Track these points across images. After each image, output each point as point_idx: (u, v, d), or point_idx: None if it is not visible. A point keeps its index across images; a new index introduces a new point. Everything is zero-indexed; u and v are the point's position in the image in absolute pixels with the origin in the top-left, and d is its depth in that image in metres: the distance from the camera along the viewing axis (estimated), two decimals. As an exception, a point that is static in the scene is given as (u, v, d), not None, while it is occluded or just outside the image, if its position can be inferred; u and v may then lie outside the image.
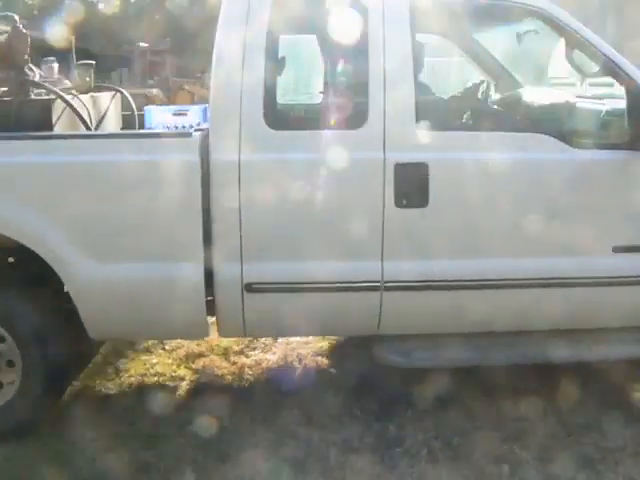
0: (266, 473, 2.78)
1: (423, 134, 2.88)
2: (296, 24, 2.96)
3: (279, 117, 2.90)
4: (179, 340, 3.90)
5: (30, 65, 3.20)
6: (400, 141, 2.88)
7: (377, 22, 2.89)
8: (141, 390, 3.51)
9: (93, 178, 2.82)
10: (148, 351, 3.95)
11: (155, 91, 11.16)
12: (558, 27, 3.04)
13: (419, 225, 2.93)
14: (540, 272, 3.01)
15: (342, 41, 2.91)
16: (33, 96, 3.16)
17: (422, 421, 3.14)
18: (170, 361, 3.83)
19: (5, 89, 3.07)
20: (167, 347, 3.98)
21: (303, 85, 3.25)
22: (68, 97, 3.23)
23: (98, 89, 4.03)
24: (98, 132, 3.17)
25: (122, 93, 4.14)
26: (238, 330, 3.07)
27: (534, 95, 3.35)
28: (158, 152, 2.84)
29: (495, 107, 3.37)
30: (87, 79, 3.67)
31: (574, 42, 3.05)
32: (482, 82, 3.53)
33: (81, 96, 3.51)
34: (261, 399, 3.35)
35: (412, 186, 2.87)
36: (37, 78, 3.18)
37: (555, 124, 3.06)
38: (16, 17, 3.12)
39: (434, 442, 2.99)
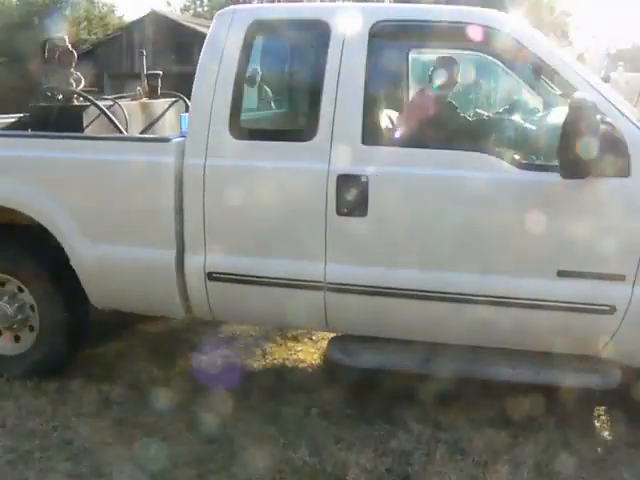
0: (368, 461, 3.00)
1: (366, 149, 3.11)
2: (262, 57, 3.32)
3: (241, 129, 3.28)
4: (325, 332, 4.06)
5: (78, 75, 3.90)
6: (344, 154, 3.12)
7: (337, 49, 3.15)
8: (280, 373, 3.88)
9: (91, 173, 3.42)
10: (296, 339, 4.32)
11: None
12: (518, 50, 3.09)
13: (359, 233, 3.15)
14: (480, 289, 3.07)
15: (303, 67, 3.22)
16: (76, 102, 3.86)
17: (538, 434, 3.21)
18: (313, 350, 4.19)
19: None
20: (314, 337, 4.32)
21: (266, 102, 3.60)
22: (105, 104, 3.89)
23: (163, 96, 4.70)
24: (97, 134, 3.75)
25: (183, 100, 4.77)
26: (206, 313, 3.51)
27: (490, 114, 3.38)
28: (142, 153, 3.37)
29: (440, 125, 3.45)
30: (138, 88, 4.31)
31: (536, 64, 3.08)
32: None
33: (127, 102, 4.17)
34: (383, 394, 3.50)
35: (353, 196, 3.11)
36: (80, 87, 3.87)
37: (499, 143, 3.10)
38: (66, 37, 3.83)
39: (542, 455, 3.05)
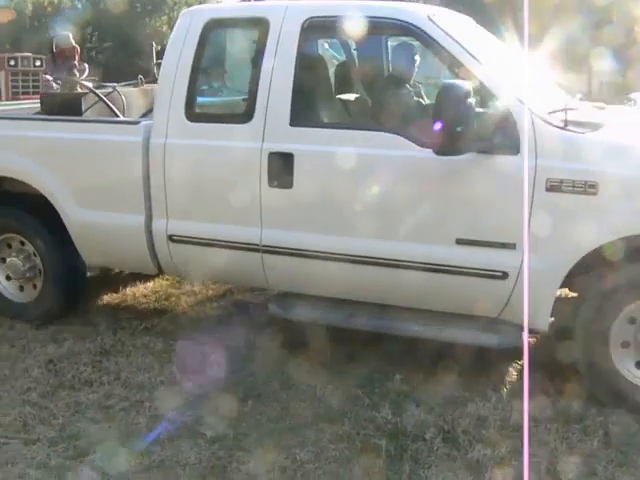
0: (446, 423, 3.22)
1: (293, 130, 3.56)
2: (214, 51, 3.84)
3: (195, 113, 3.81)
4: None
5: (85, 65, 4.56)
6: (275, 135, 3.58)
7: (273, 43, 3.62)
8: (371, 339, 3.94)
9: (77, 150, 4.07)
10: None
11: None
12: (430, 45, 3.43)
13: (287, 203, 3.62)
14: (389, 254, 3.47)
15: (246, 59, 3.71)
16: (79, 90, 4.53)
17: (607, 406, 3.34)
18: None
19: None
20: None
21: (215, 90, 4.12)
22: (104, 91, 4.52)
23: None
24: (82, 117, 4.37)
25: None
26: (173, 270, 4.11)
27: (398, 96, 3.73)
28: (117, 134, 3.99)
29: (355, 108, 3.81)
30: (139, 76, 4.92)
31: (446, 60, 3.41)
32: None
33: (128, 89, 4.79)
34: (462, 363, 3.62)
35: (281, 171, 3.58)
36: (84, 77, 4.53)
37: (405, 124, 3.46)
38: (70, 35, 4.50)
39: (612, 427, 3.19)
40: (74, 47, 4.50)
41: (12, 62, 15.09)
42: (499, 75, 3.37)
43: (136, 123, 3.94)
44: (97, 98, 4.46)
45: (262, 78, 3.62)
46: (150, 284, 5.10)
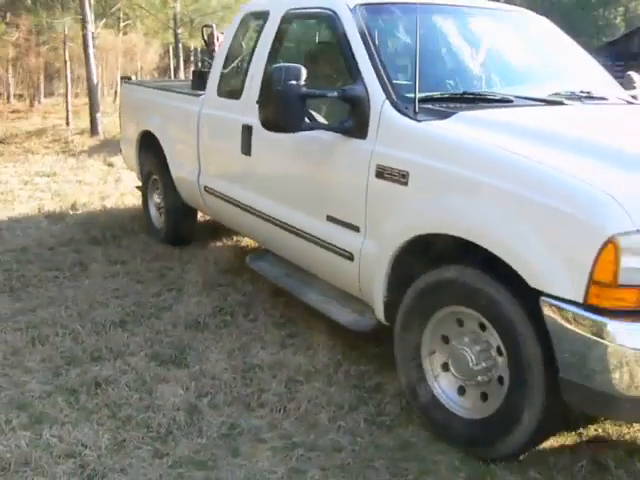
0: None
1: (256, 106, 4.15)
2: (246, 38, 4.64)
3: (221, 90, 4.65)
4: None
5: None
6: (248, 110, 4.24)
7: (264, 31, 4.27)
8: None
9: (172, 113, 5.36)
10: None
11: None
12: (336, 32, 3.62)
13: (250, 168, 4.27)
14: (285, 217, 3.92)
15: (254, 46, 4.43)
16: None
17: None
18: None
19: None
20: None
21: (234, 73, 4.73)
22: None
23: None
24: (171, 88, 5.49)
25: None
26: (212, 214, 5.11)
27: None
28: (189, 103, 5.09)
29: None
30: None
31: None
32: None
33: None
34: None
35: (246, 140, 4.24)
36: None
37: None
38: (214, 25, 5.73)
39: None
40: (213, 34, 5.72)
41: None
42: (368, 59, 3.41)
43: (198, 95, 5.01)
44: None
45: (253, 61, 4.32)
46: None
